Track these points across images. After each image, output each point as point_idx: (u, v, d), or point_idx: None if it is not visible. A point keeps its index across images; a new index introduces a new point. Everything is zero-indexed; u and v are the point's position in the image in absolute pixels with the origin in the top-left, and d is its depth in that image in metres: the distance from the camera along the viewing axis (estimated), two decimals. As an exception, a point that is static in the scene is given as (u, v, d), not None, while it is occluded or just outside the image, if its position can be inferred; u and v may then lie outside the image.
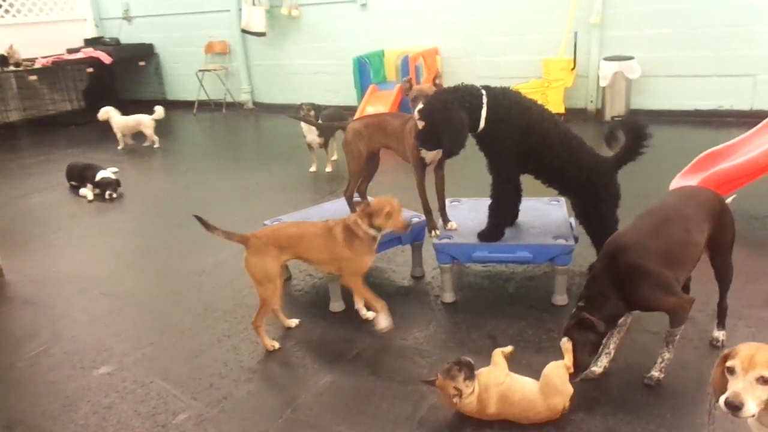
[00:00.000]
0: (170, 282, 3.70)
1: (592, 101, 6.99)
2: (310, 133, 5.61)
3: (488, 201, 3.09)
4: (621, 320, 2.37)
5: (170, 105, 10.09)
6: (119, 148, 7.27)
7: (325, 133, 5.59)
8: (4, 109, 8.91)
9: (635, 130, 2.81)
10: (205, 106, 9.46)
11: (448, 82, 3.05)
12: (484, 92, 2.85)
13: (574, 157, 2.90)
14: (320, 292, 3.35)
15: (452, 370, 2.21)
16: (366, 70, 7.55)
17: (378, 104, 7.06)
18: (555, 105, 6.67)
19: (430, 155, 3.07)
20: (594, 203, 2.95)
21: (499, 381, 2.25)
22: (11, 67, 8.51)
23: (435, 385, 2.25)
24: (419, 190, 3.16)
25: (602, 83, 6.56)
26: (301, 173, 5.74)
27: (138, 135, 7.34)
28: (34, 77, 8.75)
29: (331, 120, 5.41)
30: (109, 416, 2.47)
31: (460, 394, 2.18)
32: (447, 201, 3.49)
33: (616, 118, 6.56)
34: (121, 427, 2.40)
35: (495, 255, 3.08)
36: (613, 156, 2.93)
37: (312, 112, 5.48)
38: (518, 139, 2.88)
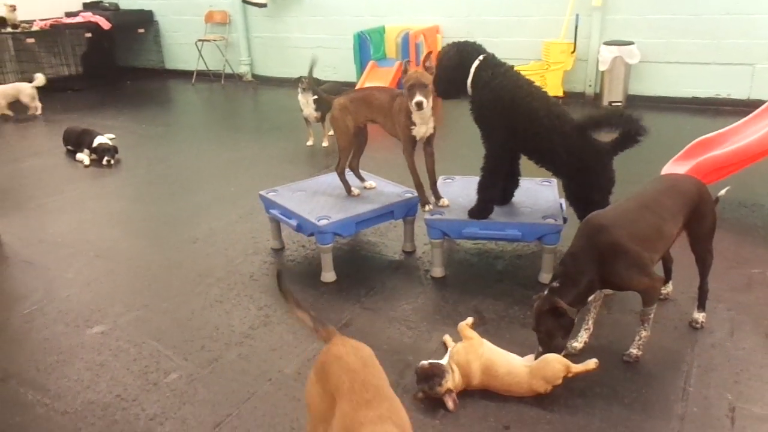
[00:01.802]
0: (165, 248, 3.74)
1: (590, 85, 7.00)
2: (307, 107, 5.63)
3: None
4: (592, 297, 2.44)
5: (169, 74, 10.08)
6: None
7: (322, 107, 5.61)
8: (0, 72, 8.84)
9: (629, 123, 2.76)
10: (203, 76, 9.41)
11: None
12: (481, 56, 3.00)
13: (566, 140, 2.87)
14: (312, 263, 3.41)
15: (429, 393, 2.24)
16: (366, 46, 7.52)
17: (377, 81, 7.05)
18: (554, 88, 6.69)
19: (421, 132, 3.10)
20: (587, 189, 2.91)
21: (478, 353, 2.31)
22: (9, 29, 8.43)
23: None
24: (409, 165, 3.20)
25: (601, 68, 6.57)
26: (297, 147, 5.76)
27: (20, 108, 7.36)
28: (31, 40, 8.66)
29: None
30: (103, 373, 2.54)
31: (450, 390, 2.24)
32: (440, 178, 3.54)
33: (614, 105, 6.58)
34: (114, 383, 2.47)
35: (485, 232, 3.13)
36: (609, 142, 2.88)
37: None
38: (503, 114, 2.93)
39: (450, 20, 7.54)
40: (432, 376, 2.25)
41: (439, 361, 2.31)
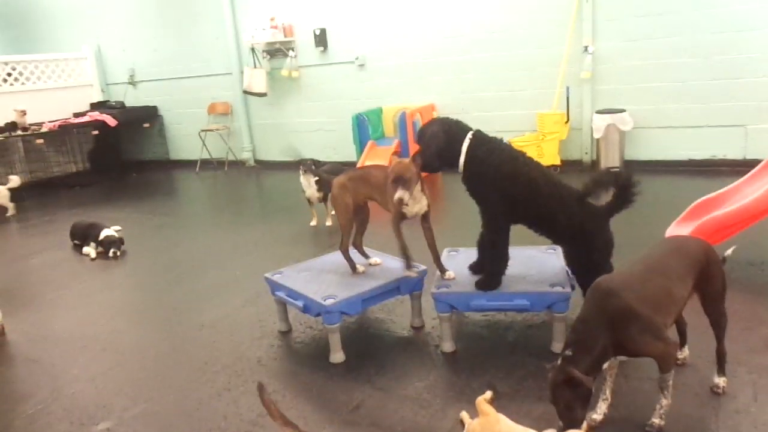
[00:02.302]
0: (171, 337, 3.70)
1: (587, 153, 7.12)
2: (310, 188, 5.73)
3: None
4: (607, 364, 2.37)
5: (173, 165, 10.33)
6: None
7: (324, 188, 5.71)
8: (10, 172, 9.04)
9: (621, 181, 2.86)
10: (207, 164, 9.64)
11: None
12: (471, 134, 3.05)
13: (564, 206, 2.94)
14: (320, 344, 3.35)
15: None
16: (364, 127, 7.74)
17: (377, 159, 7.18)
18: (550, 157, 6.81)
19: (414, 210, 3.14)
20: (587, 252, 2.96)
21: (494, 430, 2.23)
22: (19, 132, 8.68)
23: None
24: (395, 230, 3.18)
25: (596, 135, 6.71)
26: (301, 227, 5.81)
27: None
28: (40, 141, 8.93)
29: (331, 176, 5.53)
30: (107, 473, 2.45)
31: None
32: (445, 251, 3.54)
33: (611, 170, 6.66)
34: (119, 483, 2.37)
35: (493, 303, 3.10)
36: (604, 205, 2.96)
37: (313, 168, 5.63)
38: (502, 186, 2.97)
39: (445, 98, 7.80)
40: None
41: None
